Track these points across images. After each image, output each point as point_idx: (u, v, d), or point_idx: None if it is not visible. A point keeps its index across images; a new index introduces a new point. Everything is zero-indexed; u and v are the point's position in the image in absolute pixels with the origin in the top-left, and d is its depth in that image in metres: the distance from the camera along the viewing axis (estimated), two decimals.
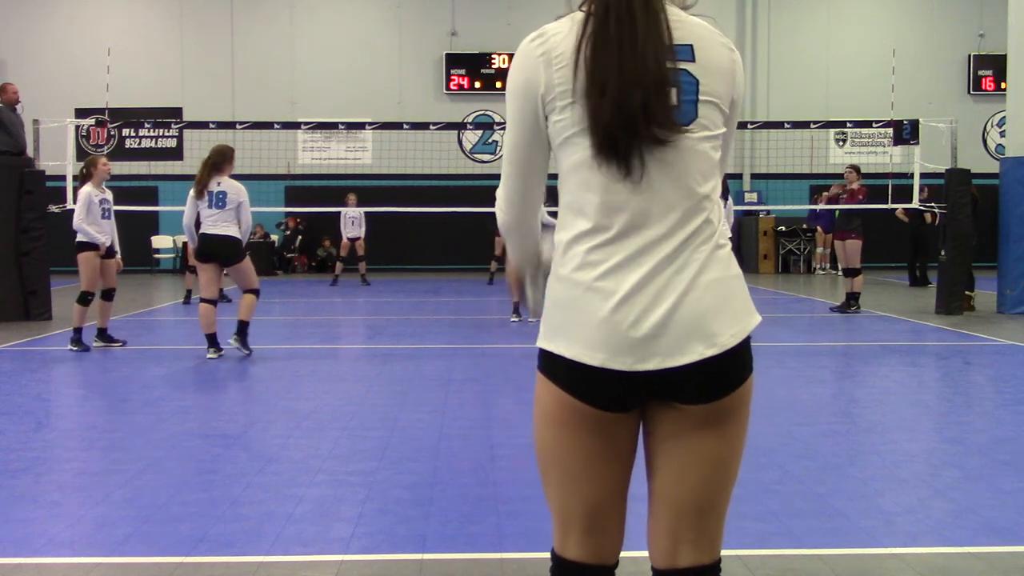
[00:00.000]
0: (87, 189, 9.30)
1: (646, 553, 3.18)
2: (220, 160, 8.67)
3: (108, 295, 9.53)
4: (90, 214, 9.17)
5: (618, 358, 1.84)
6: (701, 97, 1.91)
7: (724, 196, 4.44)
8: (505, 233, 2.10)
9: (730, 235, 2.28)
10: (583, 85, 1.86)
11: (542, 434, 1.99)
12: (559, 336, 1.90)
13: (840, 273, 15.53)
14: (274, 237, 22.08)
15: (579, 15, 1.91)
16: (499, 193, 2.06)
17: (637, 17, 1.85)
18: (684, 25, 1.92)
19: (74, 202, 9.83)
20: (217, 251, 8.63)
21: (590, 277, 1.87)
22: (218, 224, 8.57)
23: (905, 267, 18.11)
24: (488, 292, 16.49)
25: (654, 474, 1.99)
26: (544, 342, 1.94)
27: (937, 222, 13.24)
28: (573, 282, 1.89)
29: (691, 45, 1.91)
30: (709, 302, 1.86)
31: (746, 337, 1.90)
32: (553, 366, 1.92)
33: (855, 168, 13.27)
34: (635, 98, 1.82)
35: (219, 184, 8.59)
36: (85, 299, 9.35)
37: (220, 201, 8.56)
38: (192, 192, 8.68)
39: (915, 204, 14.36)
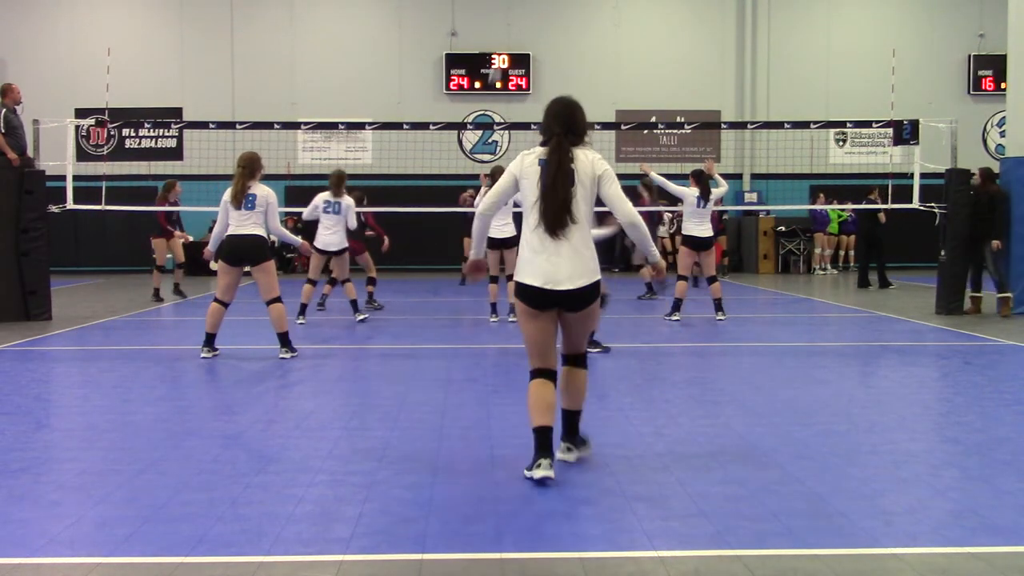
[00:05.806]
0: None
1: (646, 553, 3.26)
2: (254, 167, 8.89)
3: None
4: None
5: (545, 284, 4.73)
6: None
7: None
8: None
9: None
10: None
11: (520, 321, 4.88)
12: (522, 274, 4.82)
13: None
14: (273, 238, 22.04)
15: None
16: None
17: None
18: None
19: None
20: (244, 252, 8.77)
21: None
22: (245, 225, 8.74)
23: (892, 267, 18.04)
24: (477, 293, 16.43)
25: (561, 334, 4.94)
26: (518, 277, 4.85)
27: (938, 221, 13.20)
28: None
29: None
30: (579, 267, 4.71)
31: (594, 283, 4.75)
32: (520, 288, 4.82)
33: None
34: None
35: (249, 187, 8.78)
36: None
37: (250, 203, 8.75)
38: (227, 200, 8.80)
39: (859, 204, 14.32)
